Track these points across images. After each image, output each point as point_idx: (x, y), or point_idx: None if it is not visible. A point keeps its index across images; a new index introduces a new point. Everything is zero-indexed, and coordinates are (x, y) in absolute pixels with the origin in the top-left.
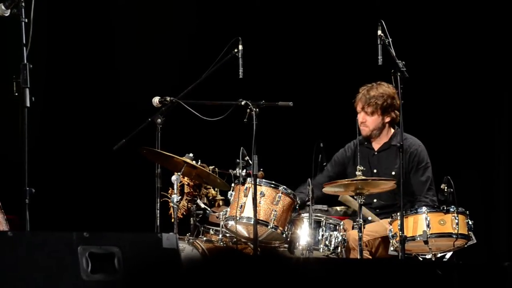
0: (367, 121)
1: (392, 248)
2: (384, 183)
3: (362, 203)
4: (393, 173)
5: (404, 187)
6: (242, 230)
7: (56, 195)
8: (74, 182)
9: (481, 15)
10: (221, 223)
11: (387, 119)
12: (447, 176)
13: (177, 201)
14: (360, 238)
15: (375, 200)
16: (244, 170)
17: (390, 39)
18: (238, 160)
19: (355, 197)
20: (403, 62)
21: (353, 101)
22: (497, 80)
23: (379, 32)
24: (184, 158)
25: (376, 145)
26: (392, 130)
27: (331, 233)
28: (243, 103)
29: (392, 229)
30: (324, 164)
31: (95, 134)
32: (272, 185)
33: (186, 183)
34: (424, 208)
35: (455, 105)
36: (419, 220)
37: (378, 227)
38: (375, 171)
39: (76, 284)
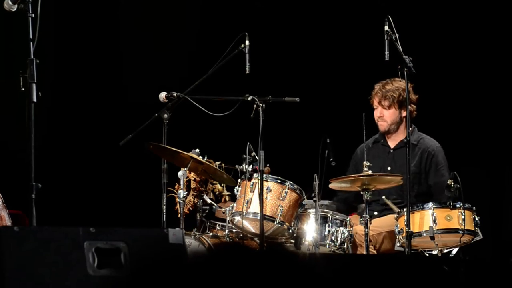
0: (384, 116)
1: (398, 244)
2: (390, 179)
3: (368, 198)
4: (411, 169)
5: (420, 187)
6: (248, 225)
7: (63, 190)
8: (80, 177)
9: (486, 10)
10: (228, 218)
11: (404, 113)
12: (454, 172)
13: (183, 197)
14: (367, 234)
15: (383, 197)
16: (251, 166)
17: (397, 35)
18: (244, 156)
19: (361, 192)
20: (410, 58)
21: (369, 98)
22: (505, 76)
23: (386, 28)
24: (190, 154)
25: (392, 143)
26: (405, 122)
27: (338, 228)
28: (249, 98)
29: (398, 225)
30: (331, 160)
31: (102, 129)
32: (279, 181)
33: (193, 178)
34: (430, 204)
35: (462, 101)
36: (426, 215)
37: (382, 222)
38: (389, 168)
39: (82, 279)
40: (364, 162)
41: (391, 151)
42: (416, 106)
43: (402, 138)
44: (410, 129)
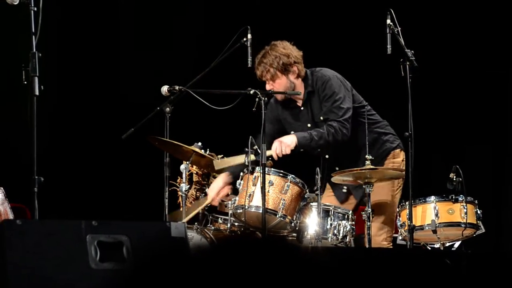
0: (274, 88)
1: (400, 237)
2: (392, 172)
3: (370, 192)
4: (321, 118)
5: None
6: (250, 219)
7: (65, 184)
8: (83, 171)
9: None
10: (230, 212)
11: (292, 76)
12: (456, 165)
13: (185, 190)
14: (369, 228)
15: (337, 168)
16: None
17: (399, 28)
18: (246, 149)
19: (363, 185)
20: (412, 51)
21: (254, 72)
22: (505, 63)
23: (388, 21)
24: (192, 147)
25: (298, 101)
26: (300, 80)
27: (340, 222)
28: (251, 92)
29: (400, 218)
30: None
31: (104, 122)
32: (281, 174)
33: (195, 172)
34: (432, 197)
35: (464, 92)
36: (428, 209)
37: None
38: (309, 125)
39: (84, 273)
40: (366, 156)
41: (302, 108)
42: (301, 64)
43: (302, 92)
44: (300, 79)
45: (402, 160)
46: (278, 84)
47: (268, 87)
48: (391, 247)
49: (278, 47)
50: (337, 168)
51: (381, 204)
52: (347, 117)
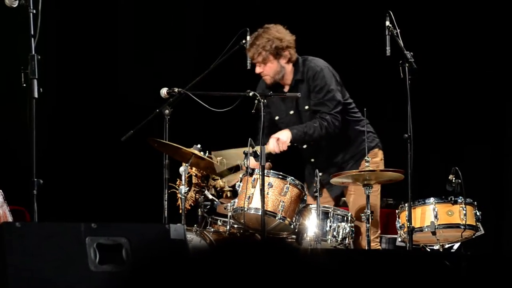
0: (264, 71)
1: (399, 239)
2: (391, 174)
3: (369, 193)
4: (306, 107)
5: (311, 112)
6: (249, 221)
7: (65, 186)
8: (82, 173)
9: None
10: (229, 214)
11: (283, 61)
12: (455, 167)
13: (185, 192)
14: (368, 229)
15: (312, 160)
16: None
17: (398, 30)
18: (245, 151)
19: (363, 187)
20: (411, 53)
21: (253, 74)
22: (503, 64)
23: (387, 23)
24: (192, 149)
25: (286, 87)
26: (291, 66)
27: (339, 224)
28: (250, 94)
29: (399, 220)
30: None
31: (103, 125)
32: (280, 176)
33: (194, 174)
34: (432, 199)
35: (463, 93)
36: (427, 211)
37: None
38: (291, 112)
39: (84, 275)
40: (365, 158)
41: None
42: (293, 49)
43: (290, 78)
44: (291, 66)
45: (381, 160)
46: (269, 68)
47: (258, 69)
48: (379, 247)
49: (271, 30)
50: (312, 160)
51: (364, 206)
52: (338, 110)
